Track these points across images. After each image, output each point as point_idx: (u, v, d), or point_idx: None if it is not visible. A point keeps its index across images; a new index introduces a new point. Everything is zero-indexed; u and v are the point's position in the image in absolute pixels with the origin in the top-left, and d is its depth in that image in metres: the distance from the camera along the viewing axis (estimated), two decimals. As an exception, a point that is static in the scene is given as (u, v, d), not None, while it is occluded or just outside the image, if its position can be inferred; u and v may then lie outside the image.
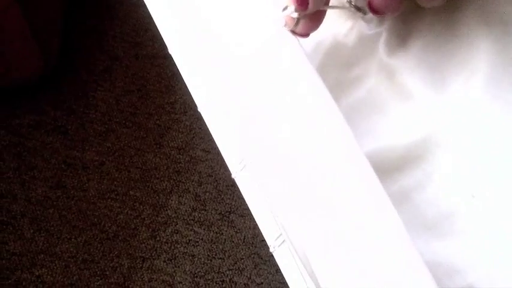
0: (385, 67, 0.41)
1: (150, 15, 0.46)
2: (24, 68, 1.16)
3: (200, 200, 1.15)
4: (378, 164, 0.38)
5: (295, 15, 0.34)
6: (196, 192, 1.16)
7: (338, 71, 0.42)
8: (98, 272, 1.08)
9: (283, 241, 0.39)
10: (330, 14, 0.43)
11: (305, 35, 0.35)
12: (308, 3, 0.33)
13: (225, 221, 1.13)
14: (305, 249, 0.31)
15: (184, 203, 1.15)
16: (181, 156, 1.19)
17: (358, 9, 0.38)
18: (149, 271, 1.08)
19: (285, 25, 0.34)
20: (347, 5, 0.38)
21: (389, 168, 0.39)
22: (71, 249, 1.09)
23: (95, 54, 1.27)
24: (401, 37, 0.41)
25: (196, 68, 0.44)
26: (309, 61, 0.33)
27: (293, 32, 0.34)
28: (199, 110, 0.43)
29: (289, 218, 0.33)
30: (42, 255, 1.08)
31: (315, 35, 0.38)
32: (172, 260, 1.10)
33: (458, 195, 0.37)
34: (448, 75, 0.39)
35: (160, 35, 0.46)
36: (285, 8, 0.34)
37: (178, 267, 1.09)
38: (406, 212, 0.38)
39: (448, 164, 0.38)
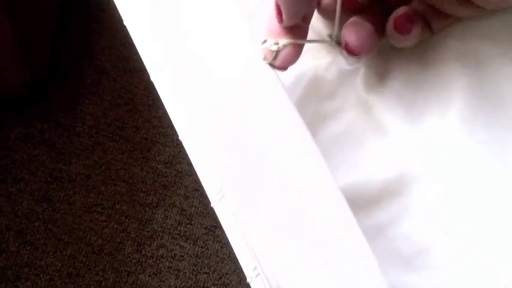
0: (363, 102, 0.41)
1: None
2: (11, 81, 1.16)
3: (186, 214, 1.16)
4: (353, 198, 0.38)
5: (274, 48, 0.35)
6: (182, 207, 1.16)
7: (317, 104, 0.43)
8: (83, 286, 1.08)
9: (258, 274, 0.39)
10: (311, 49, 0.44)
11: (283, 68, 0.36)
12: (281, 19, 0.34)
13: (211, 235, 1.14)
14: (279, 282, 0.31)
15: (170, 217, 1.15)
16: (167, 170, 1.19)
17: (338, 43, 0.39)
18: (134, 285, 1.08)
19: (264, 58, 0.35)
20: (327, 38, 0.39)
21: (365, 202, 0.40)
22: (56, 263, 1.09)
23: (83, 68, 1.28)
24: (379, 73, 0.41)
25: (177, 97, 0.44)
26: (286, 94, 0.34)
27: (271, 65, 0.35)
28: (180, 138, 0.44)
29: (263, 251, 0.33)
30: (27, 269, 1.08)
31: (296, 68, 0.39)
32: (158, 275, 1.10)
33: (432, 231, 0.38)
34: (424, 112, 0.40)
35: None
36: (264, 41, 0.35)
37: (164, 281, 1.09)
38: (381, 246, 0.39)
39: (424, 199, 0.38)
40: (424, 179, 0.38)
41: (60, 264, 1.09)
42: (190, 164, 1.20)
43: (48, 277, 1.08)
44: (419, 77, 0.40)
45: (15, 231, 1.11)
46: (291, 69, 0.37)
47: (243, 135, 0.34)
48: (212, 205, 0.41)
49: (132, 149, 1.21)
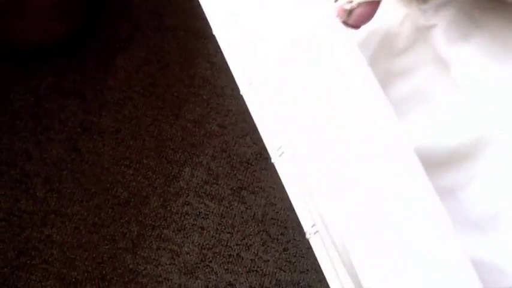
0: (440, 59, 0.40)
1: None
2: (48, 30, 1.16)
3: (213, 174, 1.16)
4: (425, 159, 0.37)
5: (348, 6, 0.34)
6: (209, 166, 1.16)
7: (390, 60, 0.42)
8: (107, 237, 1.09)
9: (317, 231, 0.38)
10: (385, 2, 0.43)
11: (357, 27, 0.35)
12: None
13: (236, 196, 1.14)
14: (345, 240, 0.30)
15: (197, 176, 1.15)
16: (196, 130, 1.19)
17: None
18: (158, 239, 1.09)
19: (337, 16, 0.34)
20: None
21: (436, 163, 0.39)
22: (82, 212, 1.10)
23: (118, 23, 1.27)
24: (461, 29, 0.40)
25: (240, 52, 0.44)
26: (360, 51, 0.33)
27: (345, 23, 0.34)
28: (241, 93, 0.43)
29: (329, 209, 0.32)
30: (53, 216, 1.09)
31: (369, 23, 0.38)
32: (182, 231, 1.10)
33: (506, 195, 0.36)
34: (507, 74, 0.38)
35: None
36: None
37: (187, 238, 1.10)
38: (450, 208, 0.38)
39: (498, 163, 0.37)
40: (501, 142, 0.37)
41: (86, 214, 1.10)
42: (219, 125, 1.20)
43: (73, 225, 1.09)
44: (505, 33, 0.39)
45: (43, 178, 1.12)
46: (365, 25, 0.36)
47: (310, 93, 0.33)
48: (272, 161, 0.41)
49: (162, 106, 1.21)
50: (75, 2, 1.19)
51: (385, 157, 0.31)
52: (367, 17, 0.35)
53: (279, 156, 0.41)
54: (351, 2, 0.34)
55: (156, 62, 1.25)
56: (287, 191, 0.41)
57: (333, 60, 0.33)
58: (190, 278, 1.07)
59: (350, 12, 0.34)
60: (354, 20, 0.35)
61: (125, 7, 1.29)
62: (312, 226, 0.38)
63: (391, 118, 0.31)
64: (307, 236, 0.39)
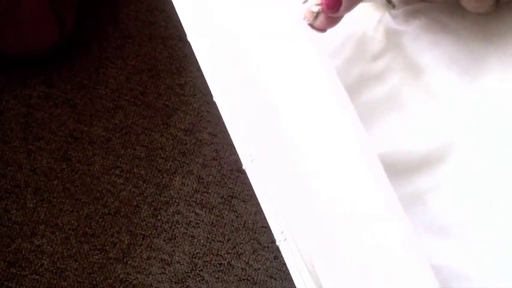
0: (412, 64, 0.40)
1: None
2: (39, 38, 1.16)
3: (203, 182, 1.16)
4: (394, 164, 0.37)
5: (315, 9, 0.34)
6: (199, 175, 1.16)
7: (364, 65, 0.42)
8: (98, 246, 1.08)
9: (285, 238, 0.38)
10: (359, 8, 0.43)
11: (322, 30, 0.35)
12: (339, 8, 0.33)
13: (227, 205, 1.14)
14: (307, 246, 0.30)
15: (188, 185, 1.15)
16: (187, 138, 1.19)
17: (388, 1, 0.38)
18: (148, 249, 1.09)
19: (304, 18, 0.34)
20: None
21: (406, 169, 0.39)
22: (72, 222, 1.10)
23: (109, 31, 1.28)
24: (433, 36, 0.40)
25: (213, 60, 0.43)
26: (335, 55, 0.33)
27: (311, 25, 0.34)
28: (214, 99, 0.43)
29: (293, 215, 0.32)
30: (43, 226, 1.09)
31: (343, 28, 0.37)
32: (172, 240, 1.10)
33: (475, 201, 0.36)
34: (477, 80, 0.38)
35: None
36: (306, 1, 0.34)
37: (178, 247, 1.10)
38: (419, 214, 0.38)
39: (469, 168, 0.37)
40: (471, 148, 0.37)
41: (76, 223, 1.10)
42: (210, 133, 1.20)
43: (63, 235, 1.09)
44: (478, 43, 0.39)
45: (33, 188, 1.12)
46: (339, 28, 0.36)
47: (277, 101, 0.33)
48: (244, 167, 0.41)
49: (153, 114, 1.21)
50: (67, 9, 1.20)
51: (346, 162, 0.31)
52: (334, 21, 0.35)
53: (251, 162, 0.41)
54: (319, 4, 0.34)
55: (147, 70, 1.25)
56: (258, 198, 0.40)
57: (300, 66, 0.33)
58: (181, 287, 1.07)
59: (317, 15, 0.34)
60: (320, 23, 0.34)
61: (116, 16, 1.29)
62: (281, 233, 0.38)
63: (356, 125, 0.31)
64: (277, 242, 0.39)
